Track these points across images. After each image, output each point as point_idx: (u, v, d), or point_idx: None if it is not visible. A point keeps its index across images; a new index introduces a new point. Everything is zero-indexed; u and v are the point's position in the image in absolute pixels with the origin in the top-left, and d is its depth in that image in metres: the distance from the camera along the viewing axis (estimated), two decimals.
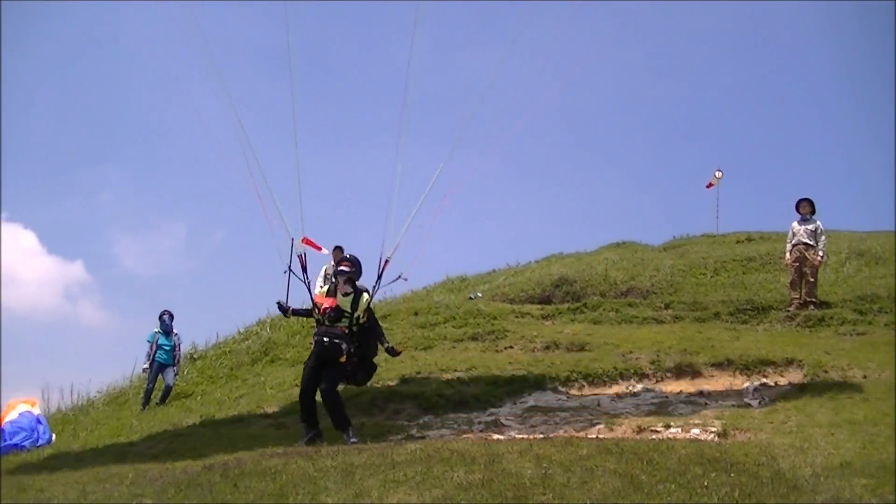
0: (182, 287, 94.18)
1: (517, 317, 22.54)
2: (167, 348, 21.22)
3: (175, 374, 21.50)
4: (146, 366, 21.25)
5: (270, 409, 16.48)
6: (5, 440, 16.94)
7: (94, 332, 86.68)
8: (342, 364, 12.77)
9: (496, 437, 12.64)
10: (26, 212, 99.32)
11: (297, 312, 13.71)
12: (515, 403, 15.50)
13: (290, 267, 13.33)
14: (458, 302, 25.03)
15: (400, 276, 13.52)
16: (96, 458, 14.32)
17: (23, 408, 18.17)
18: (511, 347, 19.62)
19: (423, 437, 13.36)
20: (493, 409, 15.21)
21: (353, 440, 12.35)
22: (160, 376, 21.18)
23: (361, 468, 9.86)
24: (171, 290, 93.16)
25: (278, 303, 13.52)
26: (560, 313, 22.82)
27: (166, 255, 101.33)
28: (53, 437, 17.89)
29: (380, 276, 13.37)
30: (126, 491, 10.20)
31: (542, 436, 12.14)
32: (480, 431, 13.59)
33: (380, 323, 13.85)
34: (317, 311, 13.05)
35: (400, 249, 13.23)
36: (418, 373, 17.19)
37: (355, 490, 8.98)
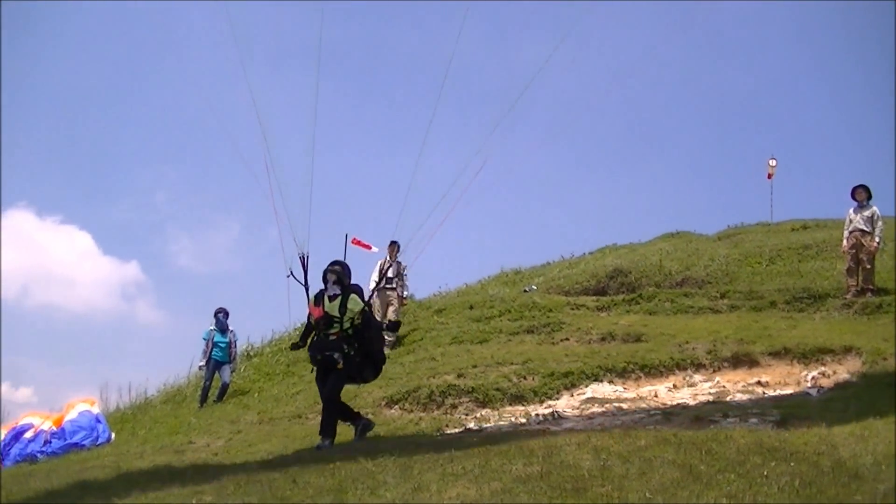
0: (237, 285, 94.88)
1: (573, 309, 22.54)
2: (223, 346, 21.37)
3: (232, 372, 21.67)
4: (203, 363, 21.44)
5: None
6: (66, 439, 17.23)
7: (150, 331, 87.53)
8: (343, 370, 12.39)
9: (554, 429, 12.66)
10: (81, 213, 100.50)
11: (305, 337, 13.26)
12: (573, 395, 15.53)
13: (291, 272, 12.78)
14: (514, 295, 25.08)
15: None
16: (155, 456, 14.52)
17: (82, 407, 18.50)
18: (567, 339, 19.61)
19: (480, 431, 13.41)
20: (550, 402, 15.27)
21: (325, 445, 12.27)
22: (217, 374, 21.35)
23: (420, 462, 9.90)
24: (226, 287, 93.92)
25: (293, 345, 13.61)
26: (615, 304, 22.78)
27: (221, 253, 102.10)
28: (113, 435, 18.16)
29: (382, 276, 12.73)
30: (185, 488, 10.31)
31: (599, 427, 12.15)
32: (538, 424, 13.61)
33: (375, 317, 13.45)
34: (311, 320, 12.75)
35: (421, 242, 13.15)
36: (475, 366, 17.17)
37: (414, 484, 9.02)
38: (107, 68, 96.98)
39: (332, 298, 12.45)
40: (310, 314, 12.70)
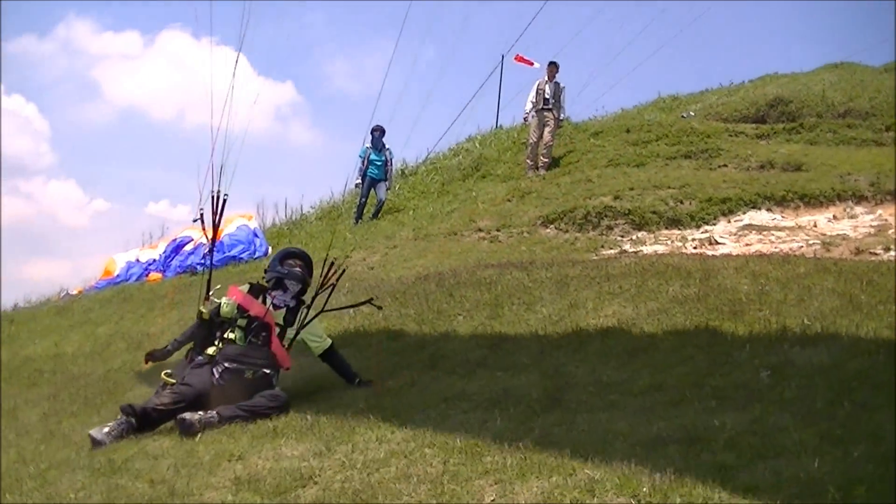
0: (392, 104, 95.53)
1: (731, 136, 22.11)
2: (378, 164, 21.48)
3: (387, 189, 21.89)
4: (358, 181, 21.60)
5: (483, 223, 16.75)
6: (224, 252, 17.87)
7: (304, 151, 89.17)
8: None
9: (710, 253, 12.66)
10: (237, 34, 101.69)
11: (179, 344, 8.68)
12: (730, 221, 15.43)
13: (201, 216, 9.50)
14: (671, 120, 24.72)
15: (371, 300, 9.51)
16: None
17: (240, 222, 19.19)
18: (725, 166, 19.32)
19: (636, 252, 13.47)
20: (707, 227, 15.22)
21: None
22: (373, 191, 21.68)
23: (576, 279, 10.06)
24: (380, 106, 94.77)
25: (160, 352, 8.70)
26: (775, 133, 22.28)
27: (375, 72, 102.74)
28: (269, 249, 18.76)
29: (323, 282, 9.17)
30: (343, 298, 10.63)
31: (757, 254, 12.11)
32: (694, 248, 13.63)
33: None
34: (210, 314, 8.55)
35: None
36: (631, 189, 17.11)
37: (570, 300, 9.20)
38: None
39: (277, 307, 8.60)
40: (219, 308, 8.55)
